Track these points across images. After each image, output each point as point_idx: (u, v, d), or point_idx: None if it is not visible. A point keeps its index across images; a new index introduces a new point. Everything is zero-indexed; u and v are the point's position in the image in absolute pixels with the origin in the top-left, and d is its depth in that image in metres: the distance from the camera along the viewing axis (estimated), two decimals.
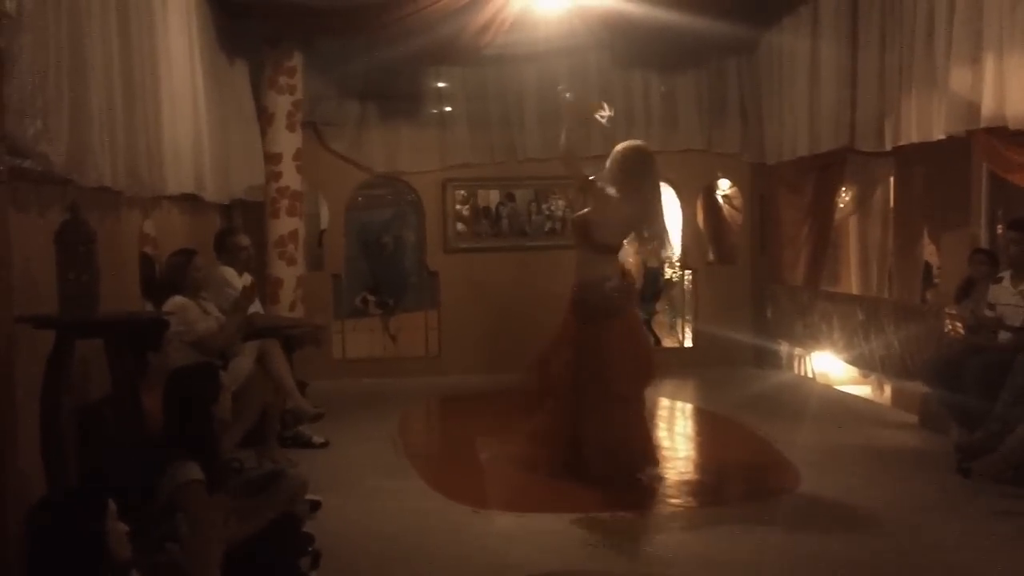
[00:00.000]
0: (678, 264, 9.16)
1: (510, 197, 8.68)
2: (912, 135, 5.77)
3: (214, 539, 2.86)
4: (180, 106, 5.19)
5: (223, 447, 3.63)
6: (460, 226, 8.49)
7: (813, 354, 7.73)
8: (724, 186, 9.23)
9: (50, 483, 3.09)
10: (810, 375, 7.88)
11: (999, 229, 5.83)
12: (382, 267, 9.47)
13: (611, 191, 4.85)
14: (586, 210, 5.07)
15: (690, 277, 9.02)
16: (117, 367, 3.37)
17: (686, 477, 5.16)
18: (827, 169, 7.40)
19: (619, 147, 4.96)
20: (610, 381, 4.79)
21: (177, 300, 4.67)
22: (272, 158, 7.34)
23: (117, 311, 3.76)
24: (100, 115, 3.69)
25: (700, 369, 8.06)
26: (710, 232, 9.13)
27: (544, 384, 5.08)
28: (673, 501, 4.72)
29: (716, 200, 9.21)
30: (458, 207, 8.51)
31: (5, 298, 2.91)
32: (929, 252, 7.19)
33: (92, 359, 3.61)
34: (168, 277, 4.86)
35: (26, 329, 3.10)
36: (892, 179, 7.29)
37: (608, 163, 4.93)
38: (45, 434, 3.09)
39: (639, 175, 4.85)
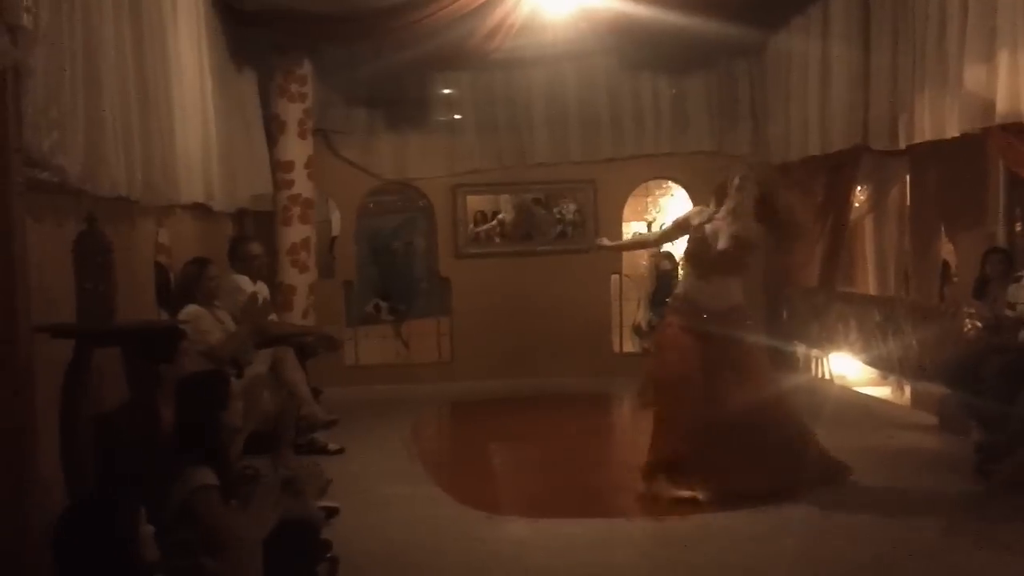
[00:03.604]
0: None
1: (538, 202, 8.67)
2: (926, 133, 5.72)
3: (238, 542, 2.86)
4: (191, 115, 5.21)
5: (233, 454, 3.63)
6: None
7: (830, 355, 7.67)
8: None
9: (70, 490, 3.10)
10: (827, 377, 7.82)
11: (1018, 227, 5.79)
12: (393, 273, 9.47)
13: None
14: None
15: None
16: (134, 375, 3.37)
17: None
18: (840, 168, 7.36)
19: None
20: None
21: (191, 309, 4.68)
22: (284, 166, 7.36)
23: (134, 320, 3.77)
24: (114, 125, 3.70)
25: None
26: None
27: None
28: (690, 506, 4.68)
29: None
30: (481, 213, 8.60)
31: (24, 308, 2.92)
32: (947, 251, 7.14)
33: (107, 367, 3.61)
34: (182, 286, 4.87)
35: (43, 338, 3.11)
36: (908, 178, 7.25)
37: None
38: (64, 442, 3.10)
39: None
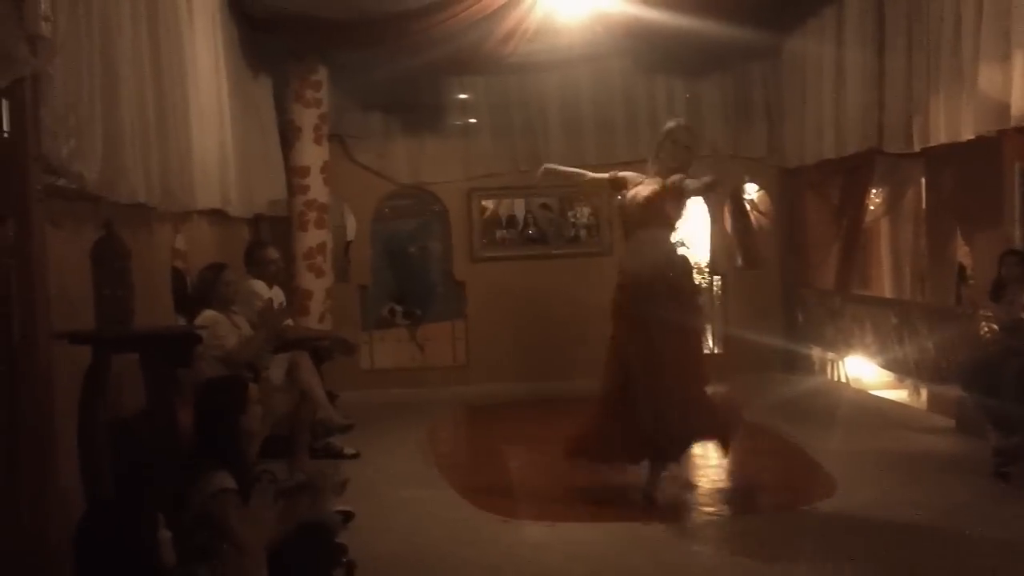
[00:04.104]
0: (707, 270, 9.11)
1: (546, 207, 8.68)
2: (941, 136, 5.70)
3: (254, 547, 2.88)
4: (207, 121, 5.25)
5: (251, 458, 3.66)
6: (499, 233, 8.60)
7: (846, 358, 7.64)
8: (751, 191, 9.18)
9: (87, 495, 3.13)
10: (843, 380, 7.79)
11: None
12: (408, 277, 9.50)
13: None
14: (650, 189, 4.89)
15: (719, 283, 8.97)
16: (152, 381, 3.41)
17: (719, 485, 5.12)
18: (856, 171, 7.34)
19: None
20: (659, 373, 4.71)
21: (208, 314, 4.72)
22: (299, 171, 7.41)
23: (152, 326, 3.80)
24: (132, 132, 3.74)
25: (730, 375, 7.98)
26: (738, 237, 9.08)
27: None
28: (706, 510, 4.68)
29: (743, 205, 9.15)
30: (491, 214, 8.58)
31: (43, 314, 2.96)
32: (963, 253, 7.10)
33: (125, 372, 3.65)
34: (199, 291, 4.91)
35: (62, 344, 3.15)
36: (923, 180, 7.21)
37: None
38: (83, 447, 3.13)
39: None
